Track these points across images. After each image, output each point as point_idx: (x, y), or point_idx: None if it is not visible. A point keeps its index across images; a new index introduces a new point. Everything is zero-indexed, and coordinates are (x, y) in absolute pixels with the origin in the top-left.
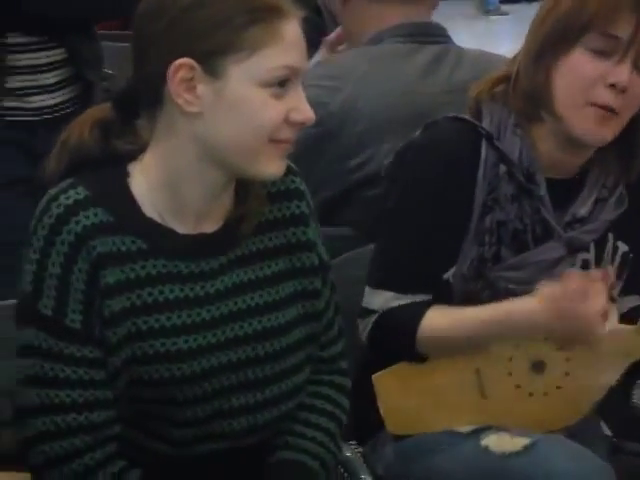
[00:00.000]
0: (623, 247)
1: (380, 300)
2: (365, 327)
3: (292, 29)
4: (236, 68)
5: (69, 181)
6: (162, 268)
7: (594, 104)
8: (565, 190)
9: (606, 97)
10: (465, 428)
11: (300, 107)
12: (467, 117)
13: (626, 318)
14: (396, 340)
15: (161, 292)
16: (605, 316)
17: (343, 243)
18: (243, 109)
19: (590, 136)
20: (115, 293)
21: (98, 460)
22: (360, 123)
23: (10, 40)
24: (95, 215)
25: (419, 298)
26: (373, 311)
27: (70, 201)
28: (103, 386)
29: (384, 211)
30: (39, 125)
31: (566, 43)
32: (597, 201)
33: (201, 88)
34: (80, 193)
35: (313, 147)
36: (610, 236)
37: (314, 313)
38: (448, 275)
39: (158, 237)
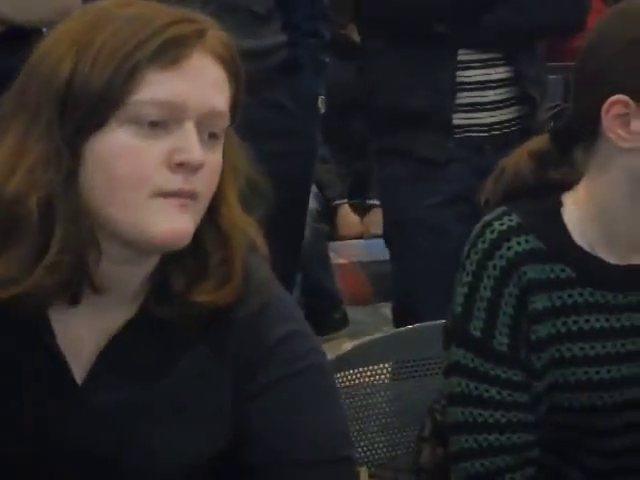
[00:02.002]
0: None
1: None
2: None
3: None
4: None
5: (503, 208)
6: (589, 297)
7: None
8: None
9: None
10: None
11: None
12: None
13: None
14: None
15: (586, 321)
16: None
17: None
18: None
19: None
20: (542, 319)
21: None
22: None
23: (463, 57)
24: (527, 242)
25: None
26: None
27: (504, 227)
28: (526, 409)
29: None
30: (486, 142)
31: None
32: None
33: (635, 124)
34: (513, 220)
35: None
36: None
37: None
38: None
39: (587, 266)
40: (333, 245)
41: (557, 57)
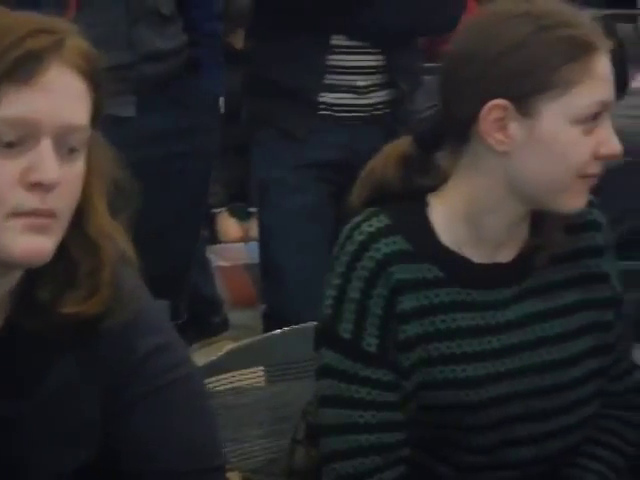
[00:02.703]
0: None
1: None
2: None
3: (603, 63)
4: (549, 106)
5: (371, 210)
6: (456, 296)
7: None
8: None
9: None
10: None
11: (609, 141)
12: None
13: None
14: None
15: (453, 319)
16: None
17: None
18: (555, 147)
19: None
20: (410, 319)
21: None
22: None
23: (335, 42)
24: (394, 243)
25: None
26: None
27: (372, 229)
28: (395, 408)
29: None
30: (353, 121)
31: None
32: None
33: (513, 127)
34: (382, 221)
35: (618, 178)
36: None
37: (604, 346)
38: None
39: (454, 266)
40: (215, 248)
41: (435, 58)
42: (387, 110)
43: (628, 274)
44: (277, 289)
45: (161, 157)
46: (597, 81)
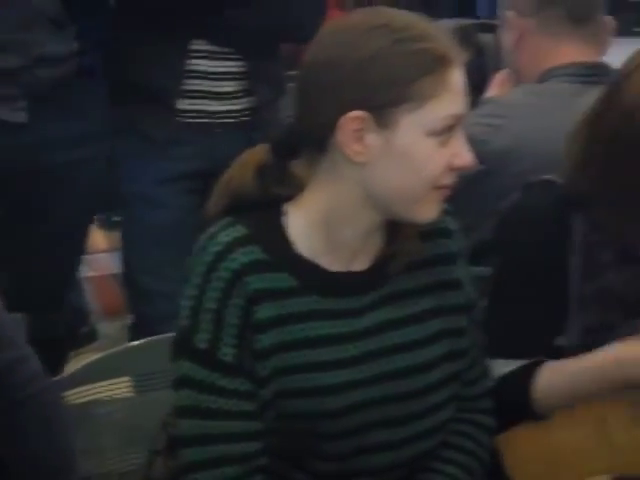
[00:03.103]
0: None
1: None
2: None
3: (457, 77)
4: (406, 118)
5: (228, 219)
6: (313, 305)
7: None
8: None
9: None
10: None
11: (462, 153)
12: (559, 180)
13: None
14: (511, 406)
15: (311, 328)
16: None
17: None
18: (411, 158)
19: None
20: (266, 328)
21: None
22: (523, 162)
23: (195, 47)
24: (251, 252)
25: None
26: None
27: (229, 239)
28: (253, 418)
29: (490, 276)
30: (215, 127)
31: None
32: None
33: (370, 138)
34: (239, 231)
35: (471, 185)
36: None
37: (459, 351)
38: (560, 342)
39: (310, 275)
40: (83, 258)
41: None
42: (248, 118)
43: (483, 280)
44: (141, 302)
45: (53, 164)
46: (452, 94)
